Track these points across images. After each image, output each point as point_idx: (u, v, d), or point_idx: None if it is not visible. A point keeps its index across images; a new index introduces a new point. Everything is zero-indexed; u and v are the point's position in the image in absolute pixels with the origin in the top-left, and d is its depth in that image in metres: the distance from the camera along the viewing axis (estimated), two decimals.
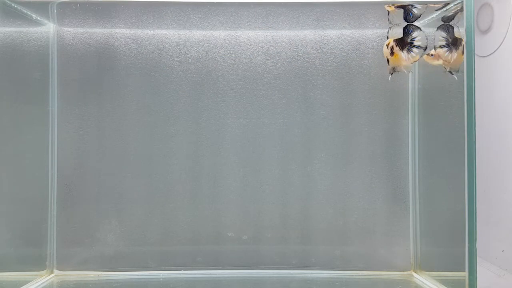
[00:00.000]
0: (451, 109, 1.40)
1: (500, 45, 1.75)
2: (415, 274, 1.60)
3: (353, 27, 1.62)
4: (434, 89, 1.54)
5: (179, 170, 1.62)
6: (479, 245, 1.28)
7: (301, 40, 1.62)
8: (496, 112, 1.76)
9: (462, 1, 1.31)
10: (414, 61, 1.45)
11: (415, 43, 1.43)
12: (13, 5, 1.45)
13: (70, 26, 1.60)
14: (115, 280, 1.55)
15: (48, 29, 1.59)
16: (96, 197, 1.61)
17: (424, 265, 1.59)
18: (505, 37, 1.73)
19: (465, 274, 1.27)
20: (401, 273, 1.61)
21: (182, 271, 1.60)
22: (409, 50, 1.44)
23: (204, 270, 1.61)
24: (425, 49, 1.43)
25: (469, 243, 1.27)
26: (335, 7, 1.60)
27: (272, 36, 1.62)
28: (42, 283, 1.51)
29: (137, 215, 1.62)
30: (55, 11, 1.55)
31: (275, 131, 1.62)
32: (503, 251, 1.70)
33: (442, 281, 1.47)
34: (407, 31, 1.43)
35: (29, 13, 1.51)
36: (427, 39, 1.43)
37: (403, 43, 1.44)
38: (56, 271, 1.59)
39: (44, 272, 1.57)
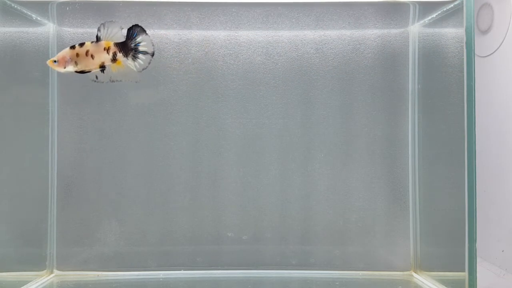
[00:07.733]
0: (451, 109, 1.40)
1: (500, 45, 1.75)
2: (415, 274, 1.60)
3: (353, 27, 1.62)
4: (434, 89, 1.54)
5: (179, 170, 1.62)
6: (479, 245, 1.28)
7: (301, 40, 1.62)
8: (496, 112, 1.76)
9: (462, 1, 1.31)
10: (143, 70, 1.27)
11: (141, 48, 1.26)
12: (13, 5, 1.45)
13: (70, 26, 1.60)
14: (115, 280, 1.55)
15: (48, 29, 1.59)
16: (96, 197, 1.61)
17: (424, 265, 1.59)
18: (505, 37, 1.73)
19: (465, 274, 1.27)
20: (401, 273, 1.61)
21: (182, 271, 1.60)
22: (134, 57, 1.27)
23: (204, 270, 1.61)
24: (152, 55, 1.27)
25: (469, 243, 1.27)
26: (335, 7, 1.60)
27: (272, 36, 1.62)
28: (42, 283, 1.51)
29: (137, 215, 1.61)
30: (55, 11, 1.55)
31: (275, 131, 1.62)
32: (503, 251, 1.70)
33: (442, 281, 1.47)
34: (131, 34, 1.26)
35: (29, 13, 1.51)
36: (153, 44, 1.27)
37: (127, 48, 1.26)
38: (56, 271, 1.59)
39: (44, 272, 1.57)
